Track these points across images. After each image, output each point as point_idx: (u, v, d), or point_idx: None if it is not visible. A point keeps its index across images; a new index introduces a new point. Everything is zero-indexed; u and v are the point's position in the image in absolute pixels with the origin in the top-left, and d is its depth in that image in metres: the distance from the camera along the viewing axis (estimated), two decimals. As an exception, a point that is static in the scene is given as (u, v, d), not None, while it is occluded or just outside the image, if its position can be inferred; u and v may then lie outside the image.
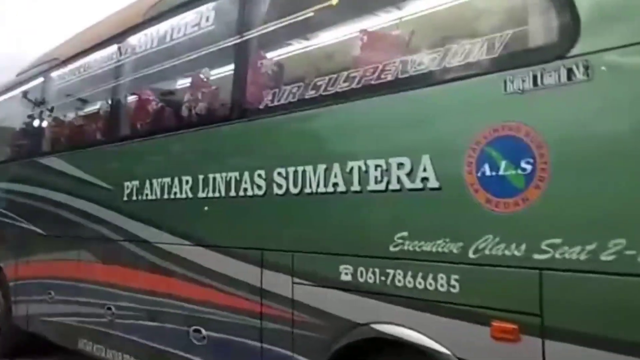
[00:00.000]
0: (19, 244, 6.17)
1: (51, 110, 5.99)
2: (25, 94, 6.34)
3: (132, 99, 4.82)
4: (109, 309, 4.65)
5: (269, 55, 3.61)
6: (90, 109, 5.43)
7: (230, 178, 3.57)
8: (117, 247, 4.58)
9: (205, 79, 4.02)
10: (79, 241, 5.08)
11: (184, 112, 4.10)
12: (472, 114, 2.49)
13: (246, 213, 3.50)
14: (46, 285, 5.56)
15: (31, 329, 5.86)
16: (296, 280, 3.12)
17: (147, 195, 4.30)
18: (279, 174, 3.25)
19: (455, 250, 2.39)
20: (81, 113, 5.56)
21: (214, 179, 3.70)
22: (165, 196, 4.11)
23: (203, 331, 3.72)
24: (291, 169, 3.18)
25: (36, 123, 6.14)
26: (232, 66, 3.76)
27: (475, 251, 2.33)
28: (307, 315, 3.05)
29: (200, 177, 3.80)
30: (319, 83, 3.09)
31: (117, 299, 4.57)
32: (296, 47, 3.63)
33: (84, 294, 4.99)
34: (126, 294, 4.46)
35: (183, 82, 4.41)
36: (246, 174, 3.46)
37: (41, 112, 6.07)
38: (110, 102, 4.95)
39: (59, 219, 5.39)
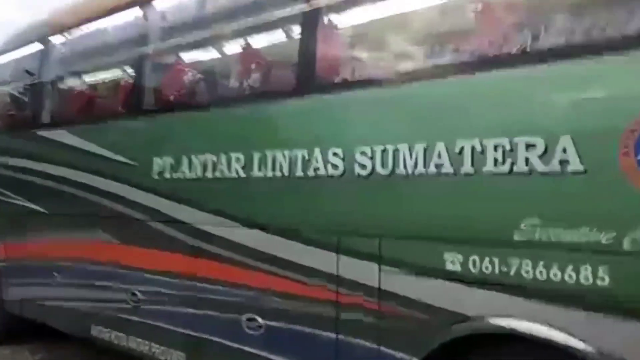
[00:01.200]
0: (10, 222, 5.72)
1: (55, 80, 5.54)
2: (22, 60, 5.83)
3: (165, 68, 4.45)
4: (133, 294, 4.32)
5: (349, 22, 3.35)
6: (108, 78, 5.02)
7: (296, 156, 3.33)
8: (144, 227, 4.24)
9: (260, 49, 3.73)
10: (94, 220, 4.68)
11: (234, 84, 3.80)
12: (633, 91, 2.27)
13: (316, 194, 3.24)
14: (49, 267, 5.15)
15: (26, 314, 5.45)
16: (384, 267, 2.91)
17: (184, 172, 3.97)
18: (363, 153, 3.02)
19: (604, 240, 2.23)
20: (96, 83, 5.14)
21: (274, 157, 3.45)
22: (209, 174, 3.80)
23: (259, 320, 3.46)
24: (378, 148, 2.96)
25: (35, 93, 5.61)
26: (297, 35, 3.47)
27: (633, 242, 2.18)
28: (398, 305, 2.83)
29: (256, 154, 3.53)
30: (417, 54, 2.88)
31: (143, 283, 4.24)
32: (385, 12, 3.36)
33: (99, 277, 4.63)
34: (156, 278, 4.14)
35: (230, 51, 4.08)
36: (317, 152, 3.23)
37: (42, 81, 5.58)
38: (135, 71, 4.56)
39: (66, 196, 4.96)
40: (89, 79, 5.22)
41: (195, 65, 4.26)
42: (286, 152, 3.35)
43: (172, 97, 4.28)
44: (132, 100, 4.55)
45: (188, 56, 4.32)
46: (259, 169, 3.50)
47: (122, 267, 4.42)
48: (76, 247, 4.89)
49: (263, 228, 3.48)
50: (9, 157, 5.79)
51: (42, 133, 5.38)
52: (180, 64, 4.35)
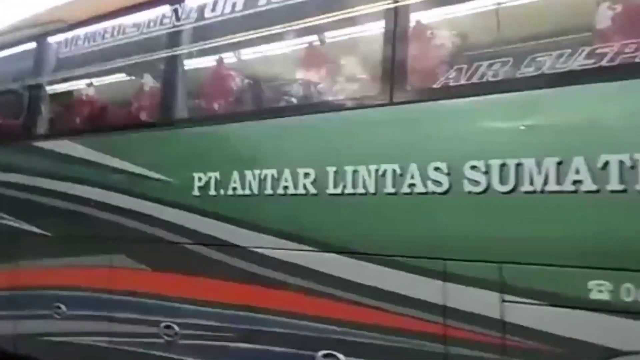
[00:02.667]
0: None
1: (55, 84, 5.03)
2: (11, 60, 5.30)
3: (204, 72, 4.05)
4: (168, 327, 3.88)
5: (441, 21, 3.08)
6: (127, 83, 4.57)
7: (385, 171, 3.03)
8: (182, 251, 3.81)
9: (327, 52, 3.41)
10: (114, 244, 4.20)
11: (296, 91, 3.47)
12: None
13: (412, 214, 2.95)
14: (51, 297, 4.61)
15: (22, 350, 4.86)
16: (508, 297, 2.63)
17: (235, 189, 3.60)
18: (474, 167, 2.76)
19: None
20: (110, 88, 4.68)
21: (355, 172, 3.13)
22: (268, 191, 3.45)
23: (340, 357, 3.12)
24: (495, 162, 2.70)
25: (29, 99, 5.06)
26: (377, 36, 3.17)
27: None
28: (529, 340, 2.55)
29: (331, 169, 3.21)
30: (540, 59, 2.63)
31: (182, 314, 3.79)
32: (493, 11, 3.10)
33: (120, 308, 4.14)
34: (197, 309, 3.70)
35: (292, 53, 3.73)
36: (413, 168, 2.95)
37: (37, 85, 5.07)
38: (166, 75, 4.11)
39: (74, 216, 4.46)
40: (102, 82, 4.75)
41: (246, 68, 3.87)
42: (371, 167, 3.06)
43: (216, 105, 3.88)
44: (162, 109, 4.11)
45: (236, 58, 3.92)
46: (335, 186, 3.20)
47: (152, 296, 3.97)
48: (88, 274, 4.37)
49: (343, 252, 3.16)
50: (-6, 172, 5.26)
51: (40, 144, 4.83)
52: (224, 67, 3.96)
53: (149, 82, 4.27)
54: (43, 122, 5.01)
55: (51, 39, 5.01)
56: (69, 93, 4.92)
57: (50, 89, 5.02)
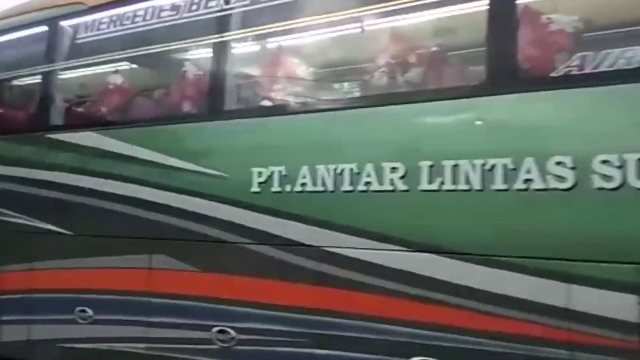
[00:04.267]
0: (5, 246, 4.50)
1: (69, 71, 4.42)
2: (20, 43, 4.63)
3: (261, 57, 3.58)
4: (222, 332, 3.43)
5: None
6: (165, 69, 4.03)
7: (494, 166, 2.70)
8: (239, 251, 3.37)
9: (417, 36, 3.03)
10: (150, 244, 3.70)
11: (377, 79, 3.07)
12: None
13: (527, 211, 2.62)
14: (73, 301, 4.06)
15: (37, 358, 4.23)
16: (647, 300, 2.37)
17: (304, 185, 3.19)
18: (605, 162, 2.46)
19: None
20: (143, 78, 4.11)
21: (455, 166, 2.78)
22: (346, 187, 3.07)
23: (437, 364, 2.79)
24: (632, 157, 2.42)
25: (41, 87, 4.45)
26: (481, 20, 2.78)
27: None
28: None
29: (424, 163, 2.85)
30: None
31: (239, 318, 3.36)
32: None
33: (161, 313, 3.65)
34: (260, 313, 3.29)
35: (371, 36, 3.28)
36: (529, 162, 2.62)
37: (50, 74, 4.44)
38: (215, 62, 3.57)
39: (100, 214, 3.93)
40: (132, 70, 4.20)
41: (317, 53, 3.43)
42: (476, 162, 2.72)
43: (279, 95, 3.44)
44: (212, 99, 3.62)
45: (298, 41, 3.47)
46: (430, 182, 2.84)
47: (201, 299, 3.50)
48: (120, 276, 3.85)
49: (439, 252, 2.80)
50: (6, 166, 4.59)
51: (57, 136, 4.26)
52: (286, 53, 3.51)
53: (192, 69, 3.77)
54: (59, 112, 4.41)
55: (67, 22, 4.41)
56: (92, 81, 4.34)
57: (67, 76, 4.43)
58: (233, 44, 3.60)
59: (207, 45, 3.70)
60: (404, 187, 2.89)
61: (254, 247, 3.35)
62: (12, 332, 4.40)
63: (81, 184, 4.03)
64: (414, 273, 2.84)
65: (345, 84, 3.57)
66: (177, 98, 3.86)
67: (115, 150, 3.89)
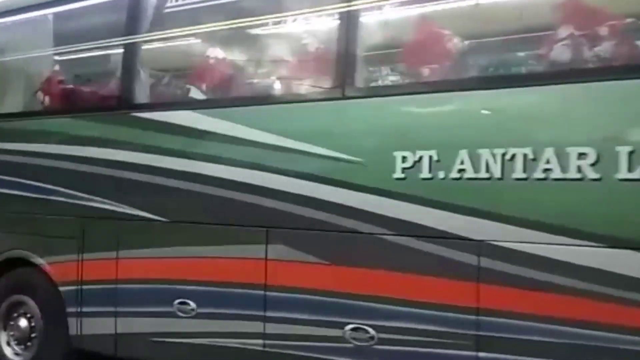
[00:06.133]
0: (88, 232, 3.97)
1: (157, 43, 3.87)
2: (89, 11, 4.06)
3: (400, 30, 3.09)
4: (357, 329, 3.00)
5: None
6: (281, 41, 3.50)
7: None
8: (378, 243, 2.95)
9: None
10: (266, 233, 3.25)
11: (560, 53, 2.62)
12: None
13: None
14: (171, 292, 3.60)
15: (126, 353, 3.81)
16: None
17: (462, 171, 2.74)
18: None
19: None
20: (254, 48, 3.58)
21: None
22: (518, 175, 2.63)
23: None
24: None
25: (124, 61, 3.87)
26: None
27: None
28: None
29: (623, 149, 2.40)
30: None
31: (380, 316, 2.95)
32: None
33: (280, 307, 3.23)
34: (406, 311, 2.87)
35: None
36: None
37: (133, 47, 3.84)
38: (342, 33, 3.09)
39: (204, 200, 3.48)
40: (232, 44, 3.68)
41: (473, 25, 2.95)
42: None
43: (423, 70, 2.98)
44: (337, 75, 3.14)
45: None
46: (630, 170, 2.42)
47: (331, 294, 3.08)
48: (229, 267, 3.41)
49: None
50: (75, 146, 4.06)
51: (145, 115, 3.76)
52: (434, 24, 3.03)
53: (313, 42, 3.28)
54: (146, 89, 3.91)
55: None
56: (186, 56, 3.81)
57: (155, 49, 3.90)
58: (364, 12, 3.12)
59: (330, 15, 3.23)
60: (596, 176, 2.50)
61: (395, 239, 2.94)
62: (96, 325, 3.94)
63: (178, 167, 3.57)
64: (608, 271, 2.46)
65: (514, 56, 3.10)
66: (296, 74, 3.39)
67: (222, 132, 3.43)
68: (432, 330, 2.83)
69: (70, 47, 4.33)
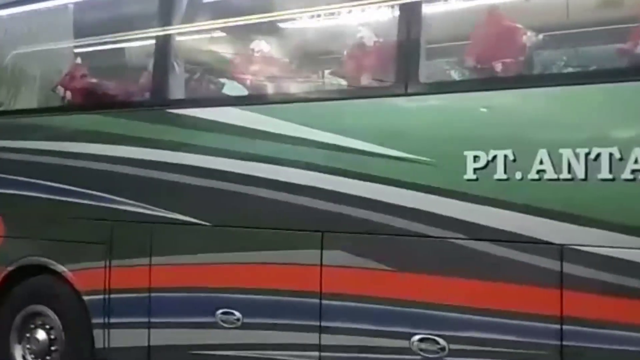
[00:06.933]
0: (111, 237, 3.71)
1: (194, 35, 3.63)
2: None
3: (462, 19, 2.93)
4: (424, 340, 2.80)
5: None
6: (336, 34, 3.28)
7: None
8: (447, 247, 2.79)
9: None
10: (321, 238, 3.05)
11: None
12: None
13: None
14: (212, 301, 3.37)
15: (161, 366, 3.59)
16: None
17: (541, 172, 2.56)
18: None
19: None
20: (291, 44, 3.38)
21: None
22: (604, 175, 2.46)
23: None
24: None
25: (156, 54, 3.63)
26: None
27: None
28: None
29: None
30: None
31: (451, 326, 2.77)
32: None
33: (338, 317, 3.02)
34: (483, 320, 2.69)
35: None
36: None
37: (166, 39, 3.60)
38: (404, 27, 2.88)
39: (251, 202, 3.26)
40: (290, 34, 3.46)
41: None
42: None
43: (498, 66, 2.81)
44: (399, 71, 2.97)
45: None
46: None
47: (396, 302, 2.88)
48: (281, 274, 3.19)
49: None
50: (103, 144, 3.78)
51: (185, 112, 3.52)
52: (502, 16, 2.85)
53: (370, 36, 3.09)
54: (182, 84, 3.67)
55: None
56: (227, 49, 3.58)
57: (190, 42, 3.67)
58: (427, 2, 2.95)
59: (390, 5, 3.04)
60: None
61: (467, 243, 2.78)
62: (126, 337, 3.67)
63: (224, 168, 3.34)
64: None
65: (598, 50, 2.96)
66: (351, 69, 3.20)
67: (273, 130, 3.21)
68: (511, 341, 2.67)
69: (95, 39, 4.07)
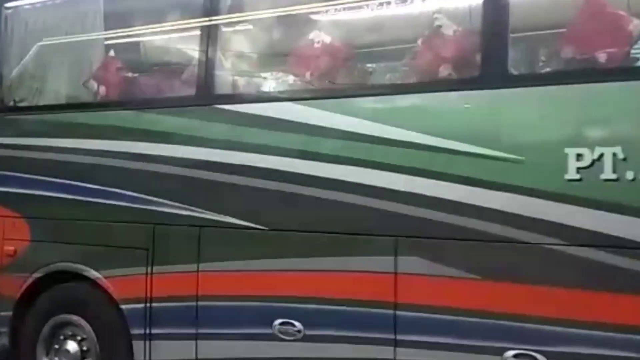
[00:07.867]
0: (153, 241, 3.39)
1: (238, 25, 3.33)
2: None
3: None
4: (521, 356, 2.50)
5: None
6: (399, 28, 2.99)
7: None
8: (546, 255, 2.49)
9: None
10: (395, 243, 2.75)
11: None
12: None
13: None
14: (271, 311, 3.06)
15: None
16: None
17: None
18: None
19: None
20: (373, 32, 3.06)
21: None
22: None
23: None
24: None
25: (202, 47, 3.30)
26: None
27: None
28: None
29: None
30: None
31: (553, 341, 2.46)
32: None
33: (415, 329, 2.72)
34: (589, 334, 2.39)
35: None
36: None
37: (215, 31, 3.29)
38: (489, 17, 2.59)
39: (314, 204, 2.95)
40: (358, 22, 3.14)
41: None
42: None
43: (601, 56, 2.52)
44: (484, 61, 2.67)
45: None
46: None
47: (487, 315, 2.58)
48: (347, 283, 2.88)
49: None
50: (144, 142, 3.47)
51: (236, 108, 3.19)
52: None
53: (450, 25, 2.80)
54: (229, 79, 3.37)
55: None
56: (282, 40, 3.27)
57: (243, 33, 3.35)
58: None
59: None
60: None
61: (568, 249, 2.48)
62: (170, 349, 3.35)
63: (282, 168, 3.04)
64: None
65: None
66: (427, 60, 2.88)
67: (338, 127, 2.90)
68: (620, 357, 2.42)
69: (131, 30, 3.75)
